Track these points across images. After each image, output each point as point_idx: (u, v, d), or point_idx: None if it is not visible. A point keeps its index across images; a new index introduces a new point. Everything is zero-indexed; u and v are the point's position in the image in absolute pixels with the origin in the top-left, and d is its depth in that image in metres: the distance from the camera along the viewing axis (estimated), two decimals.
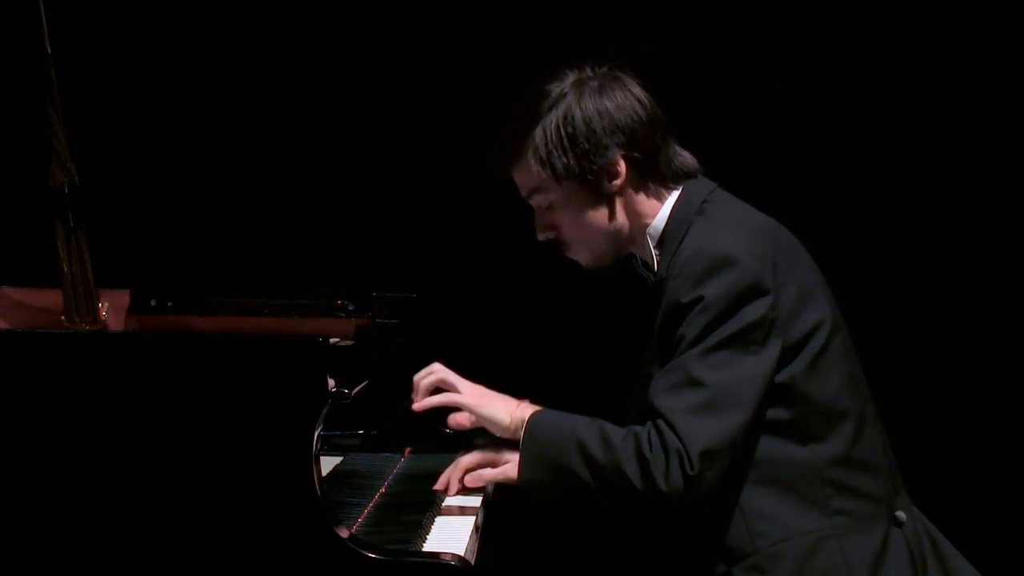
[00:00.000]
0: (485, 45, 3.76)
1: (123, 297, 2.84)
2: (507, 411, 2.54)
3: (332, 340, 2.33)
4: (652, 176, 2.55)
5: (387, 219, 3.80)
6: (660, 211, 2.55)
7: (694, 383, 2.38)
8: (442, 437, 3.09)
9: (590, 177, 2.51)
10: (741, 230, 2.46)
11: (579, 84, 2.53)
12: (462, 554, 2.33)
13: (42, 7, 2.49)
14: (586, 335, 3.85)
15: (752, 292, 2.39)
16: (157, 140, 3.75)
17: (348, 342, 2.56)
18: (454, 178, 3.80)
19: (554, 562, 3.81)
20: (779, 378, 2.42)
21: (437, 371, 2.60)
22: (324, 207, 3.77)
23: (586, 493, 2.44)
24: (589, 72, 2.55)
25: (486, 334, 3.85)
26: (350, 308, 2.93)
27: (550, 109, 2.52)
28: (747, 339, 2.39)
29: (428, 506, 2.60)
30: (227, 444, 2.26)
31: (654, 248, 2.56)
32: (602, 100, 2.51)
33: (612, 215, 2.55)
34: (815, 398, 2.44)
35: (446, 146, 3.79)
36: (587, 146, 2.50)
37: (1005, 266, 3.72)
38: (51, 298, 2.64)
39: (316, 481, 2.26)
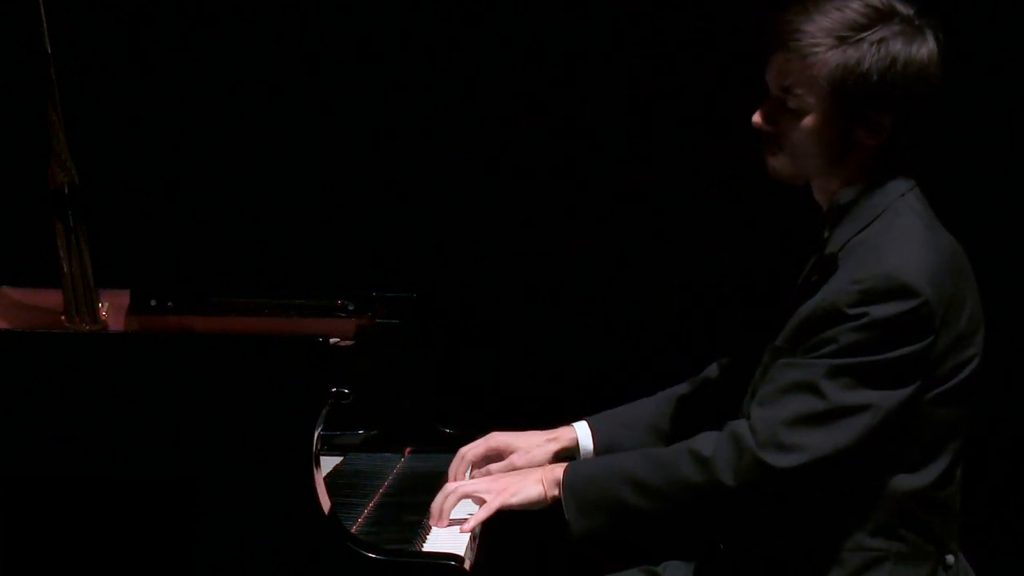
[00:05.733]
0: (482, 45, 3.76)
1: (123, 297, 2.84)
2: (536, 482, 2.47)
3: (332, 340, 2.32)
4: (893, 155, 2.44)
5: (387, 219, 3.80)
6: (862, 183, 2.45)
7: (816, 391, 2.31)
8: (442, 437, 3.09)
9: (855, 120, 2.40)
10: (929, 256, 2.36)
11: (908, 27, 2.39)
12: (462, 555, 2.33)
13: (42, 7, 2.49)
14: (586, 335, 3.85)
15: (917, 330, 2.32)
16: (157, 140, 3.75)
17: (348, 342, 2.56)
18: (454, 178, 3.80)
19: (554, 562, 3.80)
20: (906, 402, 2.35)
21: (453, 491, 2.52)
22: (324, 207, 3.77)
23: (646, 522, 2.40)
24: (916, 16, 2.41)
25: (486, 334, 3.85)
26: (350, 308, 2.92)
27: (875, 42, 2.37)
28: (890, 373, 2.32)
29: (428, 507, 2.60)
30: (227, 444, 2.26)
31: (838, 207, 2.45)
32: (919, 58, 2.38)
33: (839, 158, 2.44)
34: (927, 431, 2.39)
35: (446, 145, 3.79)
36: (876, 94, 2.38)
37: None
38: (51, 298, 2.64)
39: (316, 481, 2.26)
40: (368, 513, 2.62)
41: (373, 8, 3.77)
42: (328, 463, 2.87)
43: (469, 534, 2.49)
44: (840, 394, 2.32)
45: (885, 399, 2.33)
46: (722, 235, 3.80)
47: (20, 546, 2.27)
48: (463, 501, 2.54)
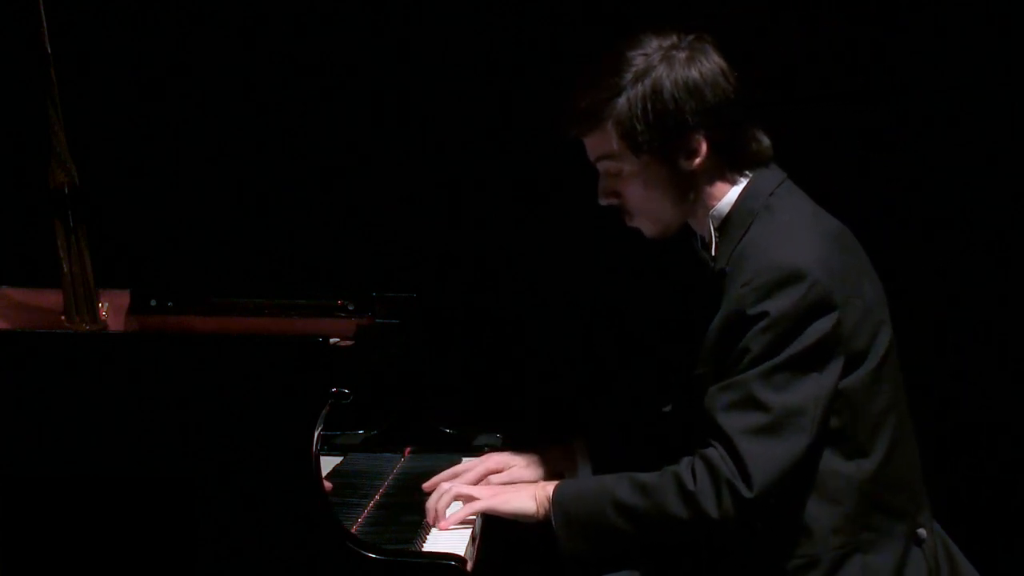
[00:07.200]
0: (481, 45, 3.77)
1: (123, 297, 2.84)
2: (530, 497, 2.50)
3: (332, 340, 2.33)
4: (729, 159, 2.49)
5: (387, 219, 3.80)
6: (727, 195, 2.50)
7: (757, 404, 2.33)
8: (442, 437, 3.09)
9: (669, 153, 2.46)
10: (812, 239, 2.41)
11: (667, 56, 2.45)
12: (462, 554, 2.33)
13: (42, 7, 2.49)
14: (585, 335, 3.85)
15: (819, 308, 2.35)
16: (157, 140, 3.75)
17: (348, 342, 2.56)
18: (455, 178, 3.80)
19: (554, 562, 3.80)
20: (839, 386, 2.38)
21: (447, 490, 2.55)
22: (324, 207, 3.77)
23: (633, 544, 2.42)
24: (675, 40, 2.47)
25: (486, 334, 3.85)
26: (350, 308, 2.92)
27: (636, 80, 2.44)
28: (811, 358, 2.34)
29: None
30: (227, 444, 2.26)
31: (714, 230, 2.50)
32: (691, 73, 2.44)
33: (682, 192, 2.49)
34: (866, 410, 2.41)
35: (446, 145, 3.79)
36: (673, 123, 2.43)
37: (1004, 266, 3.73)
38: (51, 298, 2.64)
39: (316, 481, 2.26)
40: (368, 513, 2.62)
41: (374, 9, 3.77)
42: (328, 463, 2.87)
43: (469, 534, 2.49)
44: (779, 397, 2.34)
45: (820, 385, 2.35)
46: None
47: (20, 546, 2.27)
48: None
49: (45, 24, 2.49)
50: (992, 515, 3.72)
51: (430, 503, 2.54)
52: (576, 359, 3.84)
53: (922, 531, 2.47)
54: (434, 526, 2.52)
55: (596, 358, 3.84)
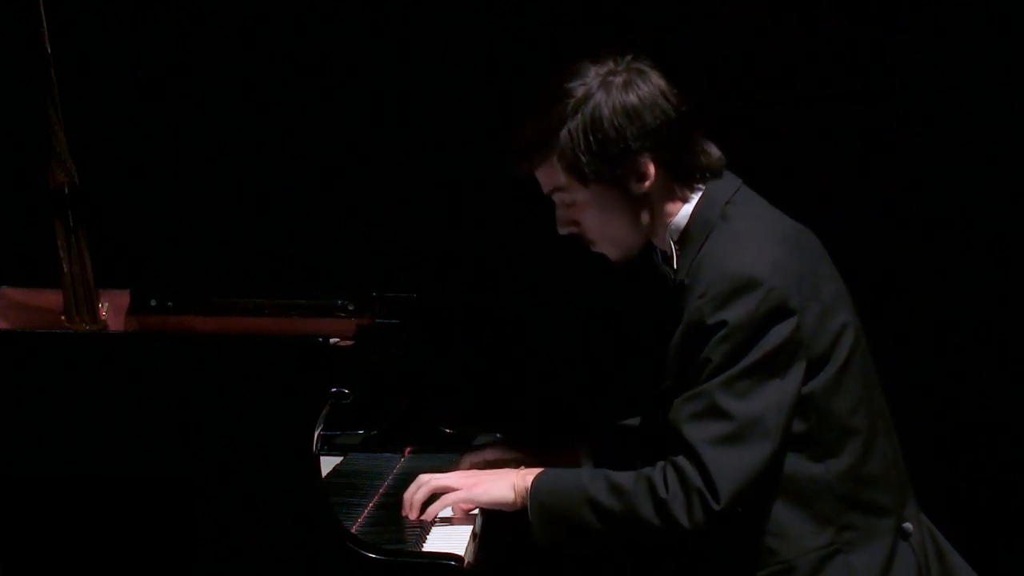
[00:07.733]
0: (481, 45, 3.77)
1: (123, 297, 2.84)
2: (508, 486, 2.49)
3: (332, 340, 2.33)
4: (679, 175, 2.49)
5: (387, 219, 3.80)
6: (683, 209, 2.50)
7: (720, 414, 2.33)
8: (442, 437, 3.09)
9: (617, 180, 2.46)
10: (767, 245, 2.41)
11: (604, 83, 2.45)
12: (462, 554, 2.33)
13: (42, 7, 2.49)
14: (585, 335, 3.85)
15: (777, 314, 2.35)
16: (157, 140, 3.75)
17: (348, 342, 2.56)
18: (454, 178, 3.80)
19: (554, 562, 3.81)
20: (802, 391, 2.38)
21: (425, 483, 2.54)
22: (324, 207, 3.78)
23: (605, 542, 2.43)
24: (611, 65, 2.47)
25: (486, 334, 3.85)
26: (350, 308, 2.92)
27: (575, 111, 2.44)
28: (772, 364, 2.34)
29: (428, 507, 2.60)
30: (227, 444, 2.26)
31: (674, 244, 2.51)
32: (629, 98, 2.44)
33: (637, 214, 2.50)
34: (832, 412, 2.41)
35: (446, 145, 3.79)
36: (616, 150, 2.43)
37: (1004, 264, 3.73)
38: (51, 298, 2.64)
39: (316, 481, 2.26)
40: (368, 513, 2.62)
41: (374, 9, 3.77)
42: (328, 463, 2.87)
43: (470, 534, 2.49)
44: (741, 405, 2.34)
45: (783, 391, 2.35)
46: None
47: (20, 546, 2.27)
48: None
49: (45, 24, 2.49)
50: (992, 515, 3.72)
51: (407, 494, 2.54)
52: (576, 359, 3.85)
53: (908, 525, 2.47)
54: (408, 517, 2.52)
55: (595, 359, 3.84)
